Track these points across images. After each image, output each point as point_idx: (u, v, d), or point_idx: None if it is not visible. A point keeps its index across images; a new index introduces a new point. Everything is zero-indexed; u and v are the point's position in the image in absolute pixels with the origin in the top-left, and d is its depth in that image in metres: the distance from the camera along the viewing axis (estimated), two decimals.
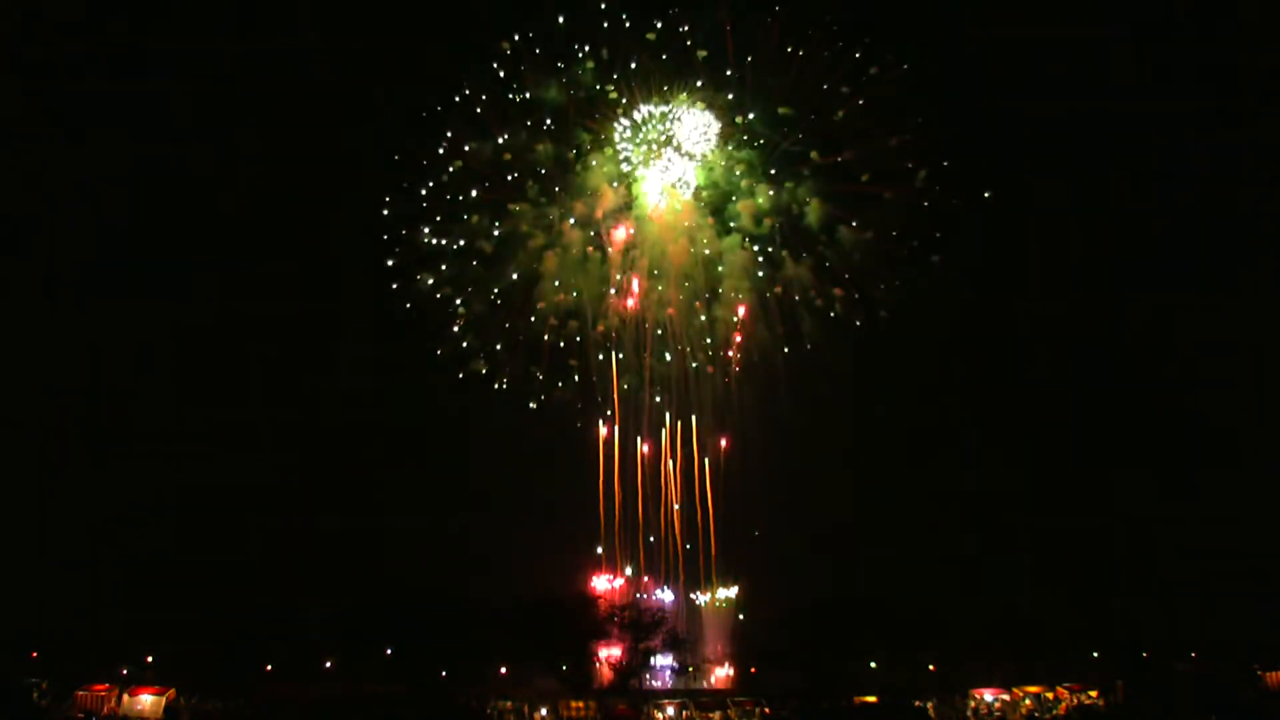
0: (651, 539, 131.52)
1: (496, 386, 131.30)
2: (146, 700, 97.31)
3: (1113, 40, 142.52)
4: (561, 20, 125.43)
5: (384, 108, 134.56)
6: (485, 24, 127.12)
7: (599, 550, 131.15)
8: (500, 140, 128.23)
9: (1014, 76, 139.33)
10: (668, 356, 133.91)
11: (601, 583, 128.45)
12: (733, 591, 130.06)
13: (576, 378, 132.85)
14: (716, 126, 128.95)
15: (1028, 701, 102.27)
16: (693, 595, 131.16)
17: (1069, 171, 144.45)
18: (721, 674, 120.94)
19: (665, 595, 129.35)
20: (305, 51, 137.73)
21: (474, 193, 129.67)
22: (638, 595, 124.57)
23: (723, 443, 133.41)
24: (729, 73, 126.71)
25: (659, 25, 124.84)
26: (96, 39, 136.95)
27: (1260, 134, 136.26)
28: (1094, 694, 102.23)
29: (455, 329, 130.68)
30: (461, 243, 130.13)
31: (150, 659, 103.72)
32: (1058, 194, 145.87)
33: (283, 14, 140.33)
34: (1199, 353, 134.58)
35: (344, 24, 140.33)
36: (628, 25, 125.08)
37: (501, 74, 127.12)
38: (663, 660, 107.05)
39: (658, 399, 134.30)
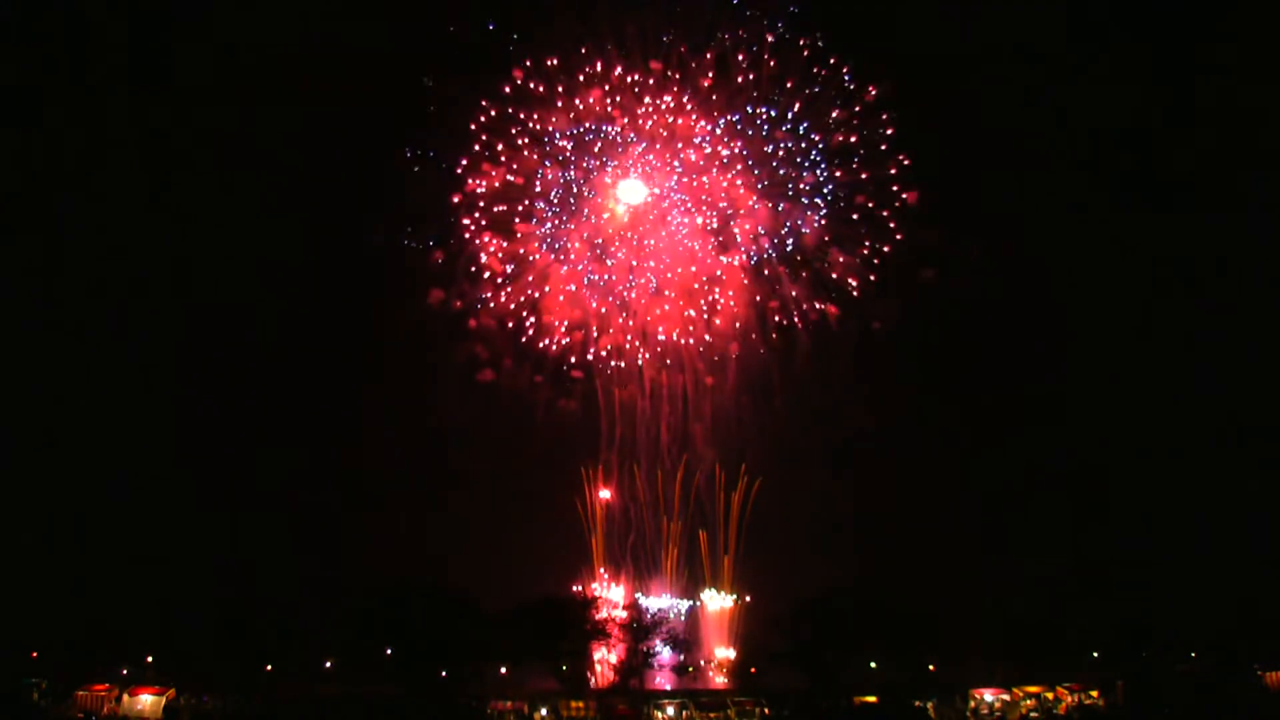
0: (651, 541, 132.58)
1: (502, 394, 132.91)
2: (146, 700, 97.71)
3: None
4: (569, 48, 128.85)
5: (398, 133, 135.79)
6: (496, 53, 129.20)
7: (600, 552, 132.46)
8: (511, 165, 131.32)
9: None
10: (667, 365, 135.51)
11: (601, 584, 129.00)
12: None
13: (581, 387, 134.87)
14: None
15: (1028, 701, 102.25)
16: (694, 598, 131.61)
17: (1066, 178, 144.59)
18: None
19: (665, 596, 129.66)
20: (318, 68, 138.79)
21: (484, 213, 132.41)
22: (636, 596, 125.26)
23: (721, 448, 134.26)
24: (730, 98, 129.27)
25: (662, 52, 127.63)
26: None
27: None
28: (1094, 694, 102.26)
29: (464, 341, 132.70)
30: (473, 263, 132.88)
31: (150, 659, 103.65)
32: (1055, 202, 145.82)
33: (295, 33, 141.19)
34: (1198, 350, 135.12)
35: (358, 47, 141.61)
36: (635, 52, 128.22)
37: (511, 101, 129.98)
38: (662, 660, 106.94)
39: (659, 406, 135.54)
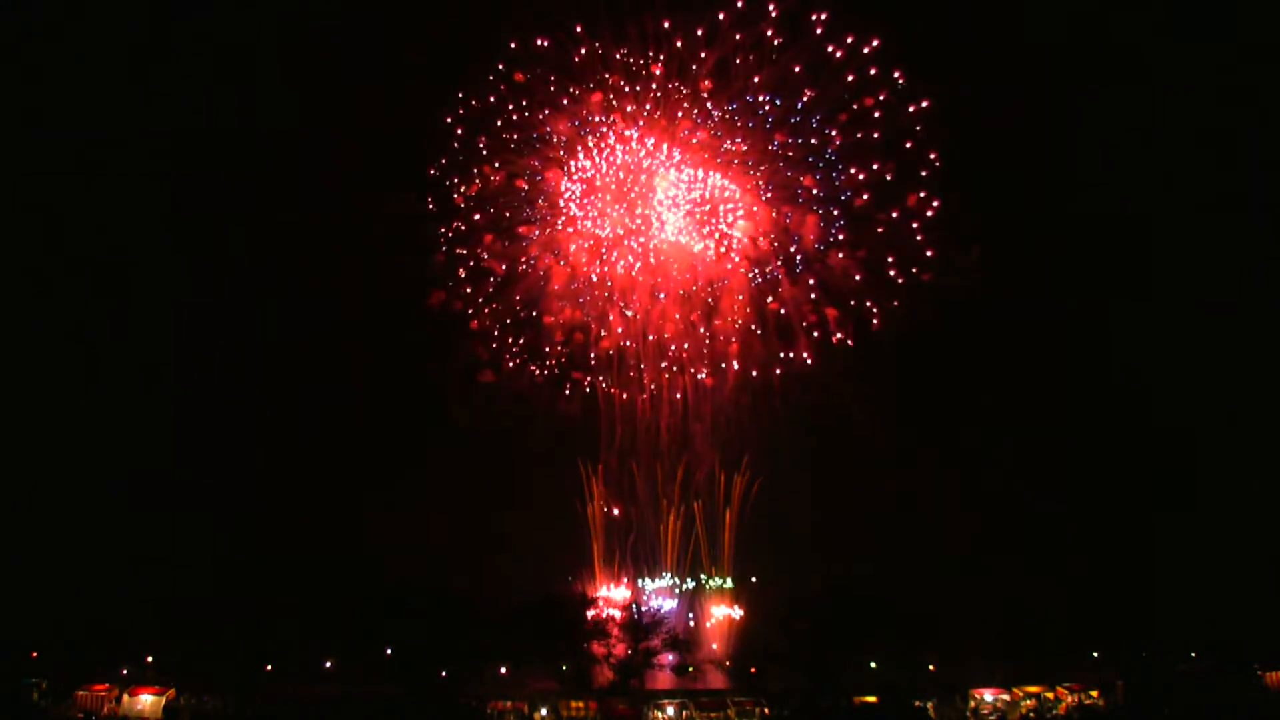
0: (651, 541, 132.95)
1: (503, 395, 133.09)
2: (146, 700, 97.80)
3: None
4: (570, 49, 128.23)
5: (401, 134, 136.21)
6: (497, 55, 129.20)
7: (599, 553, 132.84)
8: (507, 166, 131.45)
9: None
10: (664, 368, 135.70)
11: (601, 585, 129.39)
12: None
13: (582, 388, 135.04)
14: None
15: (1028, 701, 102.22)
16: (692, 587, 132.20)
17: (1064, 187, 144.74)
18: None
19: (665, 598, 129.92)
20: (324, 73, 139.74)
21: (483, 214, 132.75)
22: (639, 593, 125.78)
23: (721, 448, 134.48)
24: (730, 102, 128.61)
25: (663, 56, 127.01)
26: None
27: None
28: (1094, 694, 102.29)
29: (465, 341, 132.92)
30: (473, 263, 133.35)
31: (150, 659, 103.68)
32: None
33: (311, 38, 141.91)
34: (1198, 356, 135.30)
35: (363, 50, 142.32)
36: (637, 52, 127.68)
37: (513, 103, 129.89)
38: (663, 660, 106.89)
39: (659, 406, 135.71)
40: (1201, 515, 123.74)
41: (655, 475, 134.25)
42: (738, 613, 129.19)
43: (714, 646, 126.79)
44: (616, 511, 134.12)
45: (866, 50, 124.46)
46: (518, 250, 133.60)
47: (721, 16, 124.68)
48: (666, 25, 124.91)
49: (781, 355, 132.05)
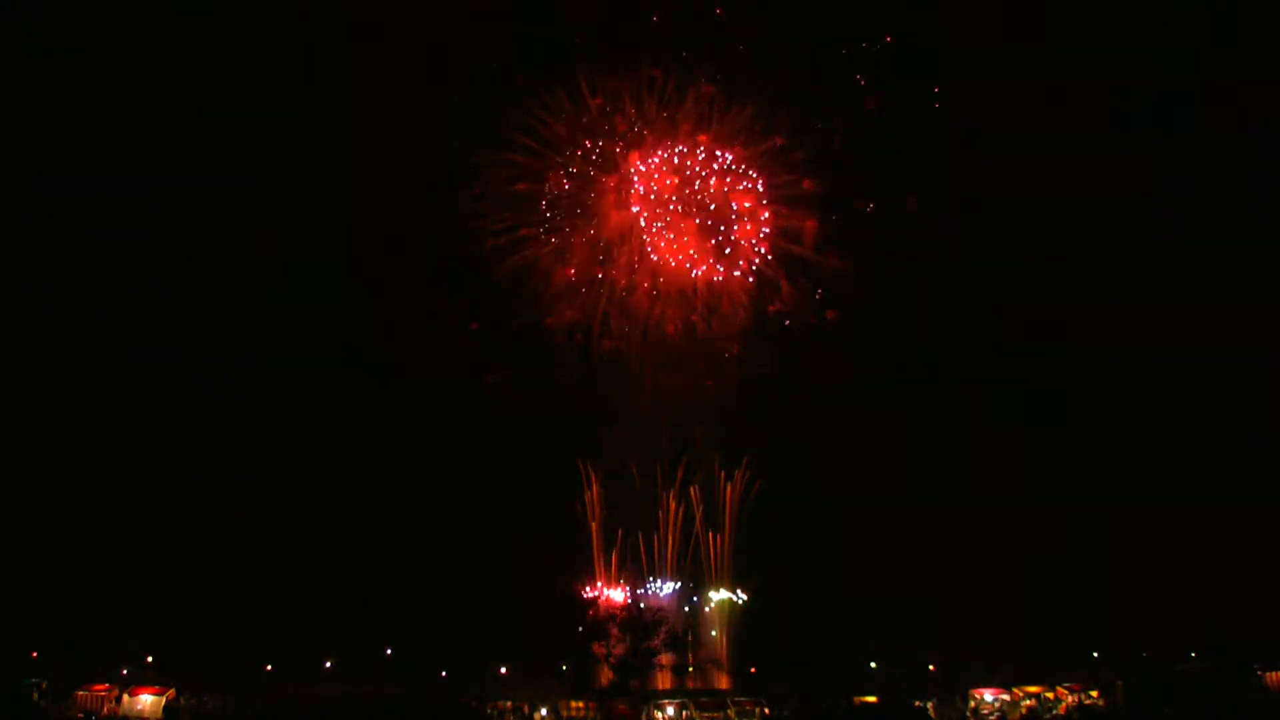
0: (651, 542, 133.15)
1: (503, 395, 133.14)
2: (146, 700, 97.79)
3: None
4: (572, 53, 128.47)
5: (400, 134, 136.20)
6: (500, 57, 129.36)
7: (599, 552, 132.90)
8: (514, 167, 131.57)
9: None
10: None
11: (601, 586, 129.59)
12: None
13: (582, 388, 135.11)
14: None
15: (1028, 701, 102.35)
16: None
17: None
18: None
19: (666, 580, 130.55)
20: (323, 73, 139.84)
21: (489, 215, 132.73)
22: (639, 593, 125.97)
23: (722, 448, 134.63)
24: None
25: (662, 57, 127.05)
26: None
27: None
28: (1094, 694, 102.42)
29: (467, 341, 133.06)
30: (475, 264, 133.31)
31: (150, 659, 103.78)
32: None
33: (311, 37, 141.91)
34: (1197, 355, 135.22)
35: (362, 50, 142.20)
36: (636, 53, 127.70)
37: (515, 106, 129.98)
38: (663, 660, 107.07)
39: (659, 407, 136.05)
40: (1201, 515, 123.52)
41: (655, 475, 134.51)
42: (740, 596, 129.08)
43: (713, 633, 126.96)
44: (617, 518, 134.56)
45: (876, 48, 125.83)
46: (518, 252, 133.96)
47: (719, 13, 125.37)
48: (657, 20, 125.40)
49: (781, 356, 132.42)
